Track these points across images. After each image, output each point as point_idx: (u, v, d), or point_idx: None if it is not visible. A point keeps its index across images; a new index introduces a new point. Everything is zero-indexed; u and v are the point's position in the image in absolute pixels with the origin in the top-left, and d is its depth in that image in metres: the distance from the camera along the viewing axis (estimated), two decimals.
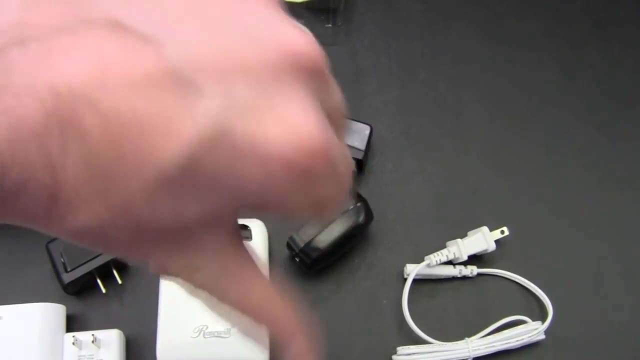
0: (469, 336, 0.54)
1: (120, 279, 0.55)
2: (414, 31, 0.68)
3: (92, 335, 0.51)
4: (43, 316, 0.51)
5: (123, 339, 0.53)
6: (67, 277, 0.53)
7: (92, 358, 0.51)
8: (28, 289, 0.56)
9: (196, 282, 0.24)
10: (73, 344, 0.51)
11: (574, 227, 0.60)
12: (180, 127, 0.18)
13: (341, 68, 0.66)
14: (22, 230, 0.58)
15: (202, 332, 0.52)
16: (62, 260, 0.54)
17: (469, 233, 0.58)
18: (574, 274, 0.58)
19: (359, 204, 0.56)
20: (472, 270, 0.57)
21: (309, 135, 0.20)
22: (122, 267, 0.56)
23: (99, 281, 0.55)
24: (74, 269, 0.54)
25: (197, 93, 0.19)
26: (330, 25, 0.68)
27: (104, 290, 0.55)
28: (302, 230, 0.55)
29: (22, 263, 0.57)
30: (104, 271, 0.55)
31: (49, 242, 0.55)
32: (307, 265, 0.55)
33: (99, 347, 0.51)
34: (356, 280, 0.57)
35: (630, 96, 0.66)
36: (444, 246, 0.57)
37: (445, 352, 0.53)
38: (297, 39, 0.21)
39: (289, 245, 0.55)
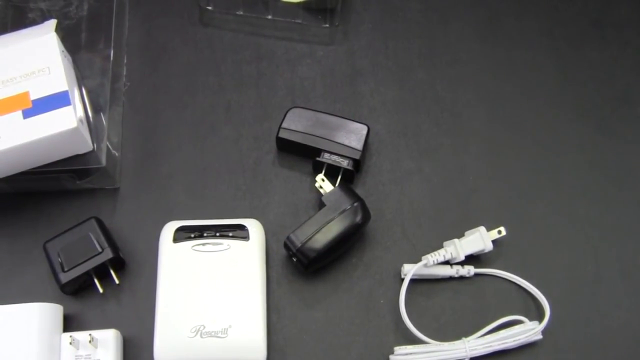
0: (466, 336, 0.54)
1: (118, 279, 0.55)
2: (411, 31, 0.68)
3: (90, 335, 0.51)
4: (40, 316, 0.51)
5: (120, 338, 0.53)
6: (65, 277, 0.53)
7: (90, 358, 0.51)
8: (25, 289, 0.56)
9: None
10: (70, 343, 0.51)
11: (571, 227, 0.60)
12: None
13: (339, 68, 0.66)
14: (20, 230, 0.58)
15: (200, 331, 0.52)
16: (59, 260, 0.54)
17: (466, 233, 0.58)
18: (571, 274, 0.58)
19: (356, 204, 0.56)
20: (469, 270, 0.57)
21: None
22: (120, 267, 0.57)
23: (96, 281, 0.55)
24: (71, 268, 0.54)
25: None
26: (327, 25, 0.68)
27: (101, 290, 0.55)
28: (299, 230, 0.55)
29: (19, 263, 0.57)
30: (101, 271, 0.55)
31: (46, 242, 0.55)
32: (305, 265, 0.55)
33: (96, 347, 0.51)
34: (353, 280, 0.57)
35: (628, 96, 0.66)
36: (441, 246, 0.57)
37: (442, 352, 0.53)
38: None
39: (286, 245, 0.55)
